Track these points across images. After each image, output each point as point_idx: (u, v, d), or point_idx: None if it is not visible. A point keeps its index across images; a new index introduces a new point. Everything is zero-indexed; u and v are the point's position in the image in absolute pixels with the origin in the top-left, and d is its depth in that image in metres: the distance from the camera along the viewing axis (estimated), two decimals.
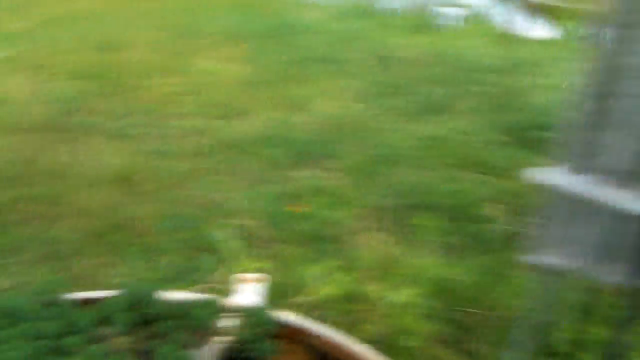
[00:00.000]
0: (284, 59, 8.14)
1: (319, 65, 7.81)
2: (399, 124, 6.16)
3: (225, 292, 2.93)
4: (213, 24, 9.66)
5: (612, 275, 0.98)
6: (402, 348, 3.00)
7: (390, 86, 7.29)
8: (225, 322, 1.77)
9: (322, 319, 3.04)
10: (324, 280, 3.07)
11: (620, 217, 0.93)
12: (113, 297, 1.74)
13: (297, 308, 3.08)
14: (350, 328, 3.01)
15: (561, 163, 0.97)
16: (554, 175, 0.98)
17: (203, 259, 3.78)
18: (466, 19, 10.66)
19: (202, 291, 3.25)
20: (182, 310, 1.72)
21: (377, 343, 2.94)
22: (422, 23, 10.71)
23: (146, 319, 1.68)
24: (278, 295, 3.25)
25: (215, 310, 1.79)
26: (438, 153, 5.43)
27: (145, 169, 4.96)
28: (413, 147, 5.52)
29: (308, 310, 3.10)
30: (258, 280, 2.65)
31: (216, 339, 1.72)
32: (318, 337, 1.81)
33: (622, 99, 0.88)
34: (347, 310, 3.09)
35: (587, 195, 0.93)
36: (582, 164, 0.96)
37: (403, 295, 2.96)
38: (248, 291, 2.62)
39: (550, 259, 1.02)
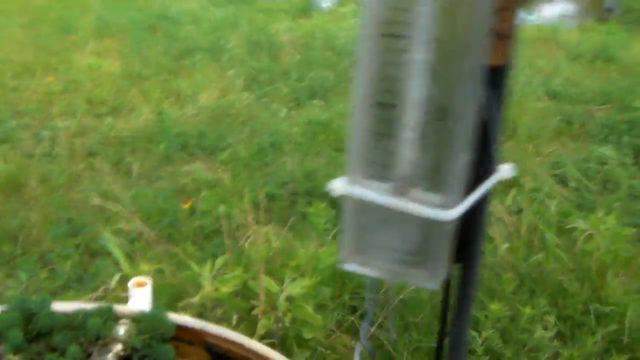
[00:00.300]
0: (165, 50, 8.08)
1: (201, 55, 7.76)
2: (284, 110, 6.25)
3: (121, 298, 2.96)
4: (87, 18, 9.36)
5: (420, 280, 1.06)
6: (302, 340, 3.07)
7: (274, 73, 7.35)
8: (121, 330, 1.76)
9: (220, 318, 3.12)
10: (219, 278, 3.10)
11: (417, 223, 1.00)
12: (3, 312, 1.68)
13: (194, 308, 3.13)
14: (249, 324, 3.08)
15: (356, 171, 1.03)
16: (350, 184, 1.03)
17: (98, 264, 3.78)
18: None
19: (98, 299, 3.27)
20: (77, 321, 1.68)
21: (276, 337, 3.05)
22: (303, 6, 10.76)
23: (40, 332, 1.64)
24: (174, 297, 3.30)
25: (111, 318, 1.76)
26: (324, 138, 5.54)
27: (34, 174, 4.87)
28: (299, 134, 5.62)
29: (205, 309, 3.14)
30: (150, 283, 2.69)
31: (113, 347, 1.70)
32: (216, 336, 1.80)
33: (394, 107, 0.96)
34: (244, 307, 3.12)
35: (382, 202, 0.99)
36: (373, 172, 1.02)
37: (299, 286, 3.01)
38: (142, 295, 2.65)
39: (359, 267, 1.08)
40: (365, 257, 1.06)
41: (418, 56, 0.88)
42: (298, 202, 4.45)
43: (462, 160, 0.96)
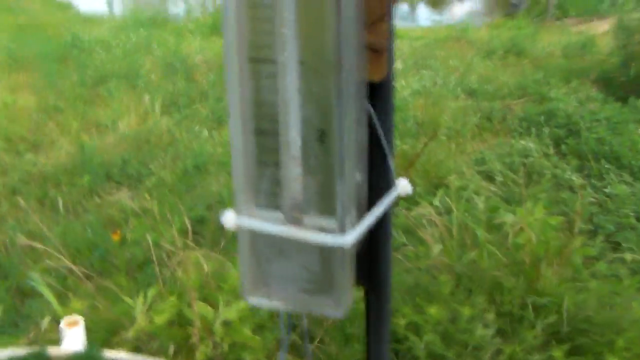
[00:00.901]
0: (80, 80, 7.96)
1: (117, 82, 7.67)
2: (205, 132, 6.20)
3: (54, 340, 2.89)
4: None
5: (326, 308, 1.04)
6: None
7: (191, 94, 7.30)
8: None
9: (157, 350, 3.06)
10: (153, 308, 3.05)
11: (314, 250, 0.98)
12: None
13: (130, 342, 3.07)
14: (187, 353, 3.03)
15: (245, 201, 1.01)
16: (240, 216, 1.01)
17: (31, 306, 3.68)
18: None
19: (32, 342, 3.18)
20: None
21: None
22: (213, 24, 10.73)
23: None
24: (109, 332, 3.23)
25: None
26: None
27: None
28: (223, 154, 5.58)
29: (141, 342, 3.08)
30: (82, 322, 2.63)
31: None
32: None
33: (273, 133, 0.94)
34: (181, 336, 3.07)
35: (275, 232, 0.97)
36: (262, 201, 0.99)
37: (234, 310, 2.97)
38: (75, 335, 2.60)
39: (263, 299, 1.05)
40: (267, 289, 1.03)
41: (289, 79, 0.85)
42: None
43: (352, 180, 0.93)
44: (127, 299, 3.06)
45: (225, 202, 4.65)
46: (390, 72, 1.01)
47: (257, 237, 0.98)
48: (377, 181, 1.05)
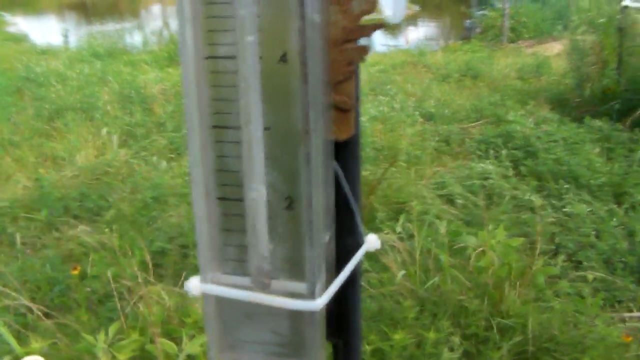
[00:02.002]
0: (36, 113, 7.88)
1: (73, 115, 7.60)
2: (164, 163, 6.16)
3: None
4: None
5: None
6: None
7: (149, 126, 7.26)
8: None
9: None
10: (115, 345, 2.99)
11: (283, 314, 0.97)
12: None
13: None
14: None
15: (210, 267, 0.99)
16: (205, 282, 0.99)
17: None
18: None
19: None
20: None
21: None
22: (168, 55, 10.72)
23: None
24: None
25: None
26: None
27: None
28: (182, 185, 5.54)
29: None
30: None
31: None
32: None
33: (238, 201, 0.93)
34: None
35: (242, 298, 0.95)
36: (228, 267, 0.98)
37: (198, 344, 2.93)
38: None
39: None
40: (235, 354, 1.01)
41: (252, 147, 0.84)
42: (189, 255, 4.36)
43: (320, 243, 0.91)
44: (88, 337, 3.00)
45: (186, 234, 4.61)
46: (356, 129, 1.00)
47: (223, 303, 0.97)
48: (345, 238, 1.04)
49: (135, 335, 3.04)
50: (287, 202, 0.88)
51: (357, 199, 1.04)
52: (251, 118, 0.83)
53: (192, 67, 0.86)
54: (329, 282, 0.95)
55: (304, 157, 0.85)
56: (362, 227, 1.06)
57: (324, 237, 0.94)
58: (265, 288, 0.92)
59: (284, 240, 0.90)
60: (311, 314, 0.92)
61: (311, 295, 0.90)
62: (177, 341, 2.98)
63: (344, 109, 0.96)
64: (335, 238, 1.02)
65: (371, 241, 1.08)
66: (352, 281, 1.05)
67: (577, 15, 9.12)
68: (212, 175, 0.91)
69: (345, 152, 1.00)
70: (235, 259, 0.95)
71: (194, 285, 0.97)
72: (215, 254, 0.95)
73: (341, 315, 1.08)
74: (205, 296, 0.98)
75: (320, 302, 0.91)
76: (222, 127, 0.90)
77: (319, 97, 0.86)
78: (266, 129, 0.84)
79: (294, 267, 0.92)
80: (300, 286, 0.91)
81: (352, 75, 0.95)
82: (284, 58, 0.83)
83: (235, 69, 0.83)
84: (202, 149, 0.89)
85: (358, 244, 1.06)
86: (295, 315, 0.94)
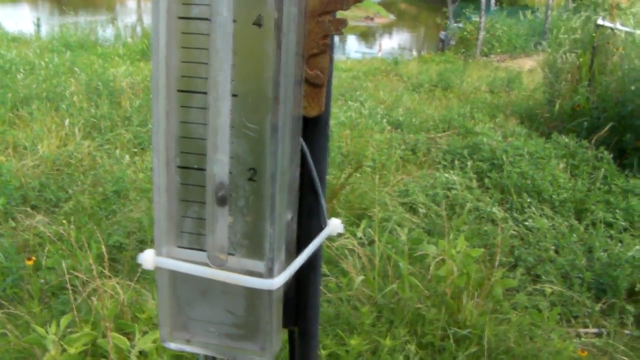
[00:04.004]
0: (0, 100, 7.76)
1: (39, 104, 7.49)
2: (127, 157, 6.09)
3: None
4: None
5: (251, 354, 0.98)
6: None
7: (115, 119, 7.18)
8: None
9: None
10: (67, 338, 2.93)
11: (240, 293, 0.93)
12: None
13: None
14: None
15: (166, 240, 0.95)
16: (159, 256, 0.95)
17: None
18: None
19: None
20: None
21: None
22: (142, 49, 10.64)
23: None
24: None
25: None
26: None
27: None
28: (144, 180, 5.47)
29: None
30: None
31: None
32: None
33: (199, 170, 0.89)
34: None
35: (198, 274, 0.90)
36: (185, 240, 0.94)
37: (150, 340, 2.88)
38: None
39: (183, 345, 0.99)
40: (187, 334, 0.97)
41: (219, 112, 0.80)
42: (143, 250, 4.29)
43: (282, 220, 0.88)
44: (39, 328, 2.93)
45: (146, 229, 4.55)
46: (326, 107, 0.97)
47: (177, 279, 0.93)
48: (308, 220, 1.01)
49: (87, 329, 2.98)
50: (250, 173, 0.85)
51: (323, 180, 1.01)
52: (219, 83, 0.80)
53: (163, 26, 0.83)
54: (288, 262, 0.92)
55: (271, 127, 0.82)
56: (325, 210, 1.02)
57: (286, 214, 0.91)
58: (221, 264, 0.88)
59: (244, 214, 0.87)
60: (268, 293, 0.89)
61: (269, 273, 0.87)
62: (130, 336, 2.93)
63: (316, 84, 0.93)
64: (297, 219, 0.99)
65: (334, 225, 1.05)
66: (312, 266, 1.02)
67: (551, 33, 9.19)
68: (174, 142, 0.88)
69: (313, 130, 0.97)
70: (193, 231, 0.92)
71: (147, 257, 0.94)
72: (172, 226, 0.92)
73: (299, 302, 1.04)
74: (158, 270, 0.94)
75: (277, 281, 0.87)
76: (189, 91, 0.86)
77: (291, 65, 0.83)
78: (234, 95, 0.81)
79: (253, 244, 0.89)
80: (259, 264, 0.88)
81: (327, 49, 0.92)
82: (258, 21, 0.81)
83: (207, 31, 0.80)
84: (166, 113, 0.86)
85: (320, 227, 1.02)
86: (252, 295, 0.91)
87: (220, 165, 0.82)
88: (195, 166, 0.87)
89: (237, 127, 0.83)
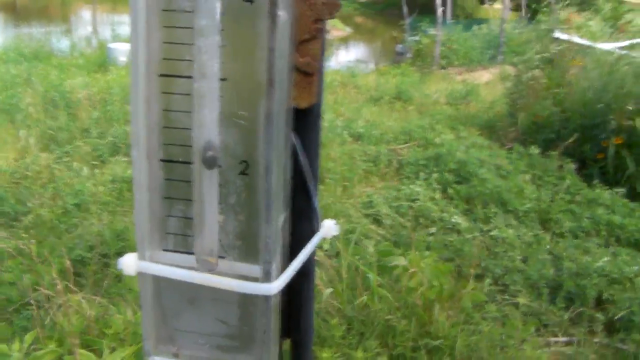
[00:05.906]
0: None
1: None
2: (86, 169, 5.98)
3: None
4: None
5: None
6: None
7: (73, 131, 7.07)
8: None
9: None
10: (31, 355, 2.84)
11: (233, 300, 0.85)
12: None
13: None
14: None
15: (149, 242, 0.86)
16: (142, 260, 0.86)
17: None
18: None
19: None
20: None
21: None
22: (100, 61, 10.52)
23: None
24: None
25: None
26: (131, 195, 5.30)
27: None
28: (105, 192, 5.38)
29: None
30: None
31: None
32: None
33: (185, 164, 0.81)
34: None
35: (186, 279, 0.82)
36: (170, 242, 0.85)
37: (119, 356, 2.80)
38: None
39: (169, 359, 0.91)
40: (174, 346, 0.88)
41: (205, 100, 0.72)
42: (110, 264, 4.20)
43: (277, 220, 0.81)
44: (2, 345, 2.84)
45: (108, 243, 4.46)
46: (318, 97, 0.90)
47: (163, 286, 0.85)
48: (300, 222, 0.94)
49: (52, 346, 2.89)
50: (242, 166, 0.78)
51: (316, 178, 0.93)
52: (206, 66, 0.72)
53: (142, 2, 0.75)
54: (283, 268, 0.85)
55: (265, 114, 0.75)
56: (319, 211, 0.95)
57: (281, 213, 0.85)
58: (211, 268, 0.80)
59: (236, 212, 0.80)
60: (265, 299, 0.81)
61: (266, 277, 0.80)
62: (97, 353, 2.85)
63: (308, 73, 0.86)
64: (290, 222, 0.93)
65: (329, 227, 0.97)
66: (305, 273, 0.94)
67: (507, 46, 9.27)
68: (156, 132, 0.79)
69: (304, 123, 0.90)
70: (178, 232, 0.83)
71: (128, 262, 0.84)
72: (155, 227, 0.83)
73: (292, 312, 0.97)
74: (141, 276, 0.85)
75: (275, 285, 0.80)
76: (172, 75, 0.78)
77: (286, 45, 0.77)
78: (222, 79, 0.74)
79: (247, 245, 0.81)
80: (253, 268, 0.81)
81: (319, 34, 0.86)
82: None
83: (192, 9, 0.73)
84: (146, 100, 0.78)
85: (312, 230, 0.95)
86: (246, 302, 0.83)
87: (207, 159, 0.74)
88: (180, 159, 0.79)
89: (227, 115, 0.76)
